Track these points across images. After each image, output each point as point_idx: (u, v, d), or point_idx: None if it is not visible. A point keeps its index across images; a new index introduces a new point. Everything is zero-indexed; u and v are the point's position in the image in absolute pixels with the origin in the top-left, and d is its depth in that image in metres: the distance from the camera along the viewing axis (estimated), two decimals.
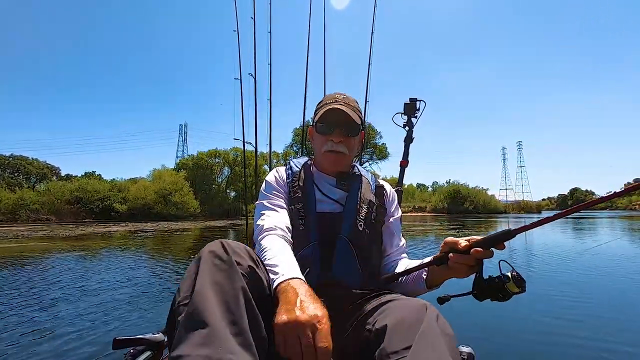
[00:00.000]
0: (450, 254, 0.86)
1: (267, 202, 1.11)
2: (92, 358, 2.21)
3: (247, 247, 0.82)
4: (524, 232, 0.79)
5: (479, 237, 0.84)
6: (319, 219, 1.07)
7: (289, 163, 1.25)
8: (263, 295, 0.76)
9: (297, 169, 1.20)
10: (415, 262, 1.07)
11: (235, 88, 3.35)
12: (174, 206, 32.96)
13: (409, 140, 2.25)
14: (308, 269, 0.94)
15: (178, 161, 49.02)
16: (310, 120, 1.32)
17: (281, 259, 0.84)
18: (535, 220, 0.79)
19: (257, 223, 1.04)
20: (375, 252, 1.13)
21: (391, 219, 1.22)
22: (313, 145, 1.23)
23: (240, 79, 3.32)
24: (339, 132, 1.13)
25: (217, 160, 43.17)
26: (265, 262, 0.83)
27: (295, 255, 0.93)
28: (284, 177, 1.19)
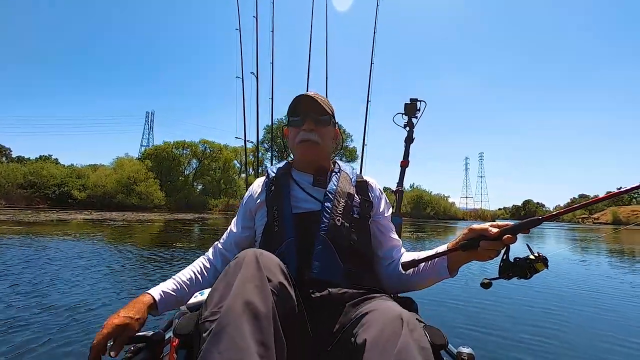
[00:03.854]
0: (482, 241, 0.89)
1: (235, 218, 1.25)
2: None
3: (279, 261, 0.82)
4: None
5: (504, 223, 0.89)
6: (296, 218, 1.06)
7: (267, 170, 1.27)
8: (291, 314, 0.77)
9: (274, 174, 1.21)
10: (429, 252, 1.03)
11: (237, 86, 3.37)
12: (137, 196, 31.78)
13: (409, 140, 2.25)
14: (286, 265, 0.96)
15: (143, 150, 47.10)
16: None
17: (173, 278, 1.09)
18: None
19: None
20: (363, 248, 1.09)
21: (380, 214, 1.20)
22: (289, 144, 1.26)
23: (242, 78, 3.35)
24: (309, 121, 1.15)
25: (184, 151, 42.01)
26: None
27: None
28: (261, 186, 1.23)
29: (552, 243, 13.58)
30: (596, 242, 13.88)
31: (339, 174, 1.19)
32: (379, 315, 0.78)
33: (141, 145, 68.27)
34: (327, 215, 1.04)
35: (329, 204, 1.07)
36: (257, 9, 3.46)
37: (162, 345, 0.97)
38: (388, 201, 1.27)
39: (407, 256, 1.13)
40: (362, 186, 1.20)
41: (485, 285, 0.90)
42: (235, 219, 1.26)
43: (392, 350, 0.68)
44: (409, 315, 0.77)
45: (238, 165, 46.04)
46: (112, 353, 0.86)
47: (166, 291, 1.04)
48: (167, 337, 1.00)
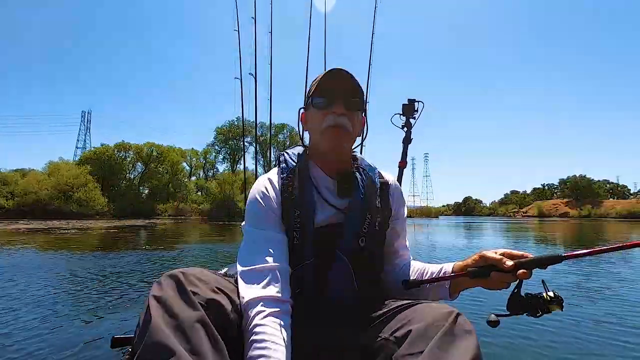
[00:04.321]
0: (493, 273, 0.84)
1: (257, 230, 0.92)
2: (90, 357, 2.08)
3: (208, 274, 0.80)
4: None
5: (519, 253, 0.84)
6: (316, 231, 0.94)
7: (283, 156, 1.06)
8: (226, 320, 0.75)
9: (293, 164, 1.01)
10: (434, 267, 1.00)
11: (236, 87, 3.38)
12: (76, 203, 29.36)
13: (407, 141, 2.25)
14: (299, 289, 0.92)
15: (81, 153, 43.49)
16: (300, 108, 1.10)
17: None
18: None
19: (245, 261, 0.87)
20: (378, 260, 1.04)
21: (397, 220, 1.10)
22: (309, 130, 1.06)
23: (241, 79, 3.35)
24: (341, 103, 0.96)
25: (127, 154, 39.54)
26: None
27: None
28: (277, 184, 0.99)
29: (490, 235, 14.73)
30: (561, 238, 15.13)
31: (364, 180, 1.02)
32: (424, 308, 0.80)
33: (76, 148, 62.50)
34: (350, 233, 0.95)
35: (354, 219, 0.96)
36: (256, 11, 3.50)
37: None
38: (405, 202, 1.19)
39: (413, 266, 1.08)
40: (384, 190, 1.08)
41: (493, 323, 0.84)
42: (261, 222, 0.94)
43: (435, 333, 0.71)
44: (453, 308, 0.78)
45: (187, 167, 44.26)
46: None
47: None
48: None
